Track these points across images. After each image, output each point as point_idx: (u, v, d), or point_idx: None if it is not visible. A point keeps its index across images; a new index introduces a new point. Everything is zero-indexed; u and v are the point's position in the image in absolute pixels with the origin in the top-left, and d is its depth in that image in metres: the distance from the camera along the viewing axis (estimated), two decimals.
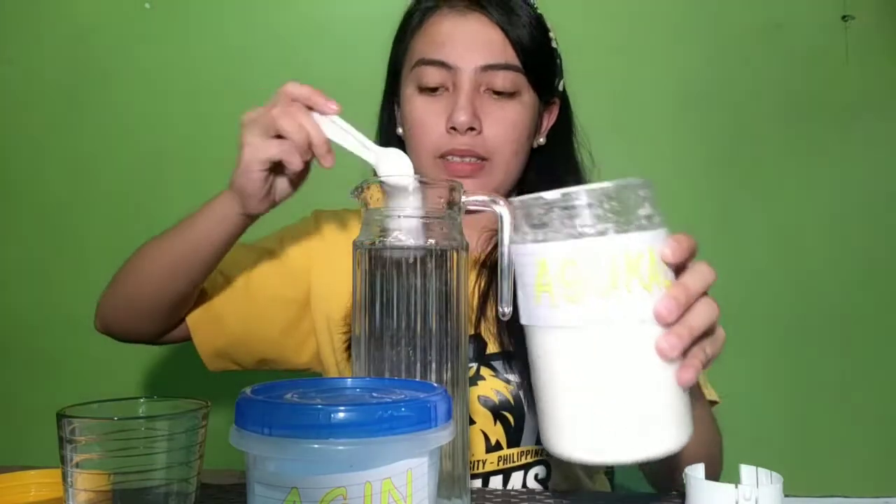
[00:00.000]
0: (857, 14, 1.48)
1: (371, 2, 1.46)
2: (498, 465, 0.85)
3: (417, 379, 0.58)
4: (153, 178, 1.50)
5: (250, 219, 0.79)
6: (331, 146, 0.72)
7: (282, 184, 0.77)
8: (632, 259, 0.49)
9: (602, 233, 0.50)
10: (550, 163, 0.97)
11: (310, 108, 0.72)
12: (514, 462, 0.86)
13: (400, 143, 0.96)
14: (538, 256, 0.51)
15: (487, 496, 0.72)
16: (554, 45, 0.94)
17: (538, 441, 0.86)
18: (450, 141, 0.87)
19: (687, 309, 0.51)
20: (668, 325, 0.50)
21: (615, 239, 0.49)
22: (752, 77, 1.50)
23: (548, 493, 0.74)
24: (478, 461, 0.85)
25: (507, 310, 0.64)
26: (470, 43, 0.87)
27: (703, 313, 0.52)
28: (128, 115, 1.50)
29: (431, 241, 0.59)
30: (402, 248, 0.59)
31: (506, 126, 0.88)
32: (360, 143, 0.71)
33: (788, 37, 1.49)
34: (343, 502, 0.42)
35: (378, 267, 0.59)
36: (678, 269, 0.54)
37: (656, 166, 1.46)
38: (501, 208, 0.63)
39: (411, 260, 0.59)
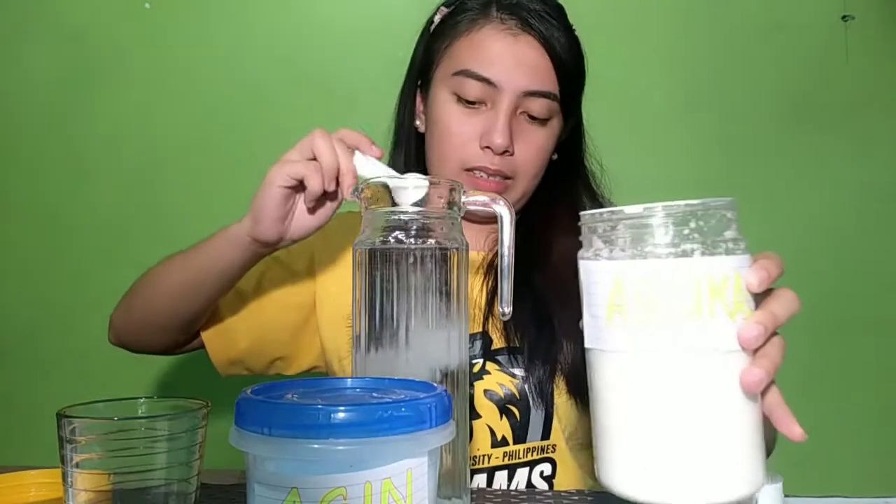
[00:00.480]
0: (857, 14, 1.48)
1: (373, 2, 1.46)
2: (503, 460, 0.86)
3: (417, 379, 0.58)
4: (152, 179, 1.49)
5: (259, 245, 0.78)
6: (357, 181, 0.72)
7: (300, 213, 0.76)
8: (716, 283, 0.45)
9: (687, 253, 0.46)
10: (562, 173, 0.99)
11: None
12: (519, 458, 0.86)
13: (418, 136, 0.97)
14: (613, 274, 0.47)
15: (488, 496, 0.72)
16: (586, 68, 0.95)
17: (543, 437, 0.87)
18: (481, 158, 0.89)
19: (768, 340, 0.48)
20: (752, 353, 0.47)
21: (701, 261, 0.46)
22: (752, 77, 1.49)
23: (548, 494, 0.74)
24: (483, 455, 0.85)
25: (507, 310, 0.65)
26: (517, 65, 0.87)
27: (781, 347, 0.49)
28: (127, 116, 1.50)
29: (431, 241, 0.59)
30: (402, 248, 0.59)
31: (536, 150, 0.91)
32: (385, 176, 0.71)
33: (788, 37, 1.49)
34: (343, 502, 0.42)
35: (378, 267, 0.59)
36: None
37: (655, 167, 1.46)
38: (501, 208, 0.63)
39: (411, 260, 0.59)
